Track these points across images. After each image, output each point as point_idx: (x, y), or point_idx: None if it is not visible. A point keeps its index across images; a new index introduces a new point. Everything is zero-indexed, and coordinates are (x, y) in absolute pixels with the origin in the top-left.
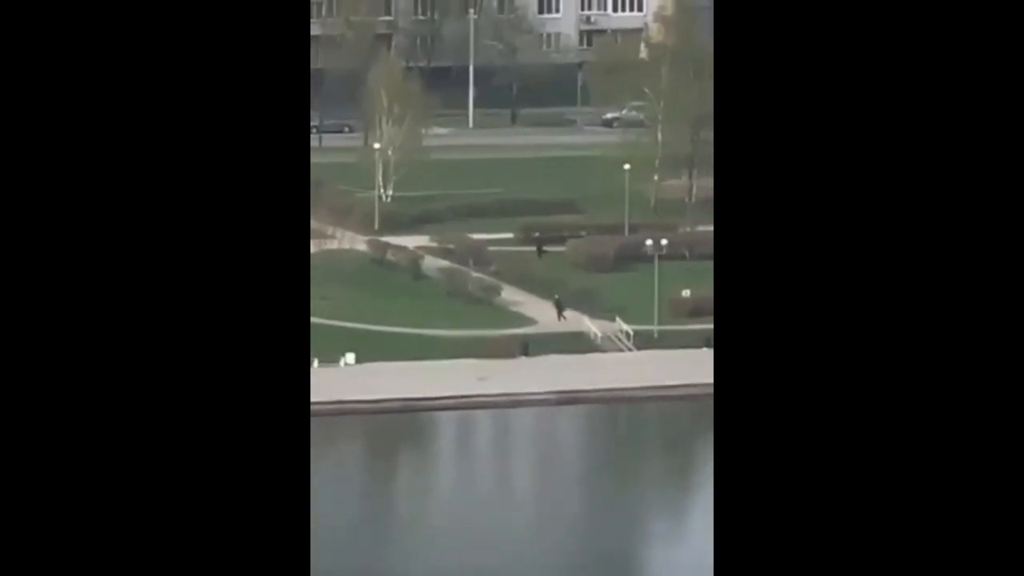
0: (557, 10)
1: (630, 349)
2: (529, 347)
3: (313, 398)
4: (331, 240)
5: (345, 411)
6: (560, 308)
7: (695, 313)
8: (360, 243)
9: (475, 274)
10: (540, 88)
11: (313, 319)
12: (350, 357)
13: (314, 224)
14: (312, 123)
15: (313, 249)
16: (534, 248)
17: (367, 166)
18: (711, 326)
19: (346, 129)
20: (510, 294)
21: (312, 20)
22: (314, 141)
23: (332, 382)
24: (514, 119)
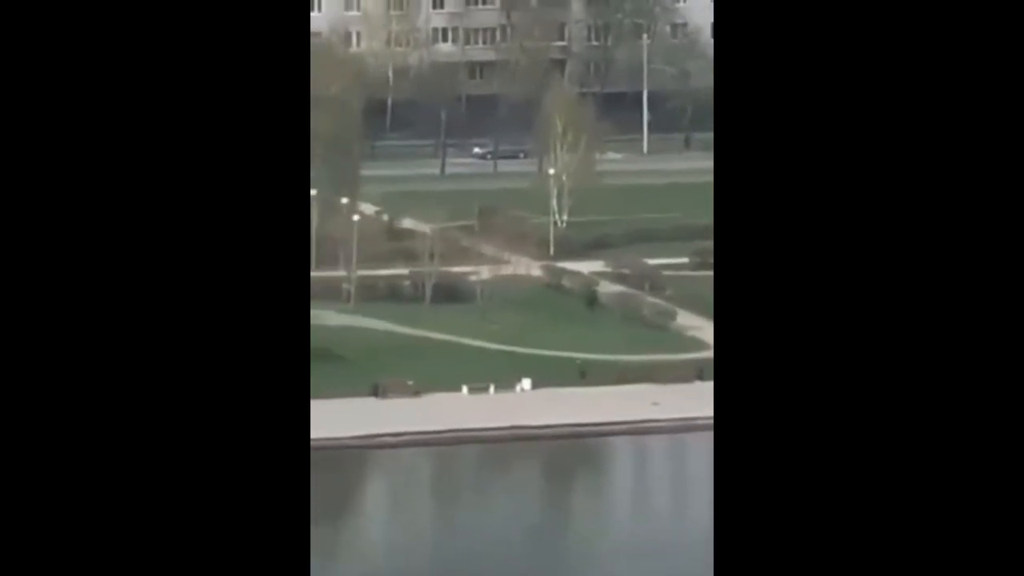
0: None
1: None
2: (704, 372)
3: (489, 424)
4: (506, 266)
5: (521, 437)
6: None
7: None
8: (535, 269)
9: (650, 299)
10: None
11: (487, 345)
12: (526, 383)
13: (489, 250)
14: (487, 149)
15: (487, 275)
16: (709, 272)
17: (542, 192)
18: None
19: (521, 155)
20: (685, 319)
21: (486, 45)
22: (488, 167)
23: (508, 408)
24: (688, 143)
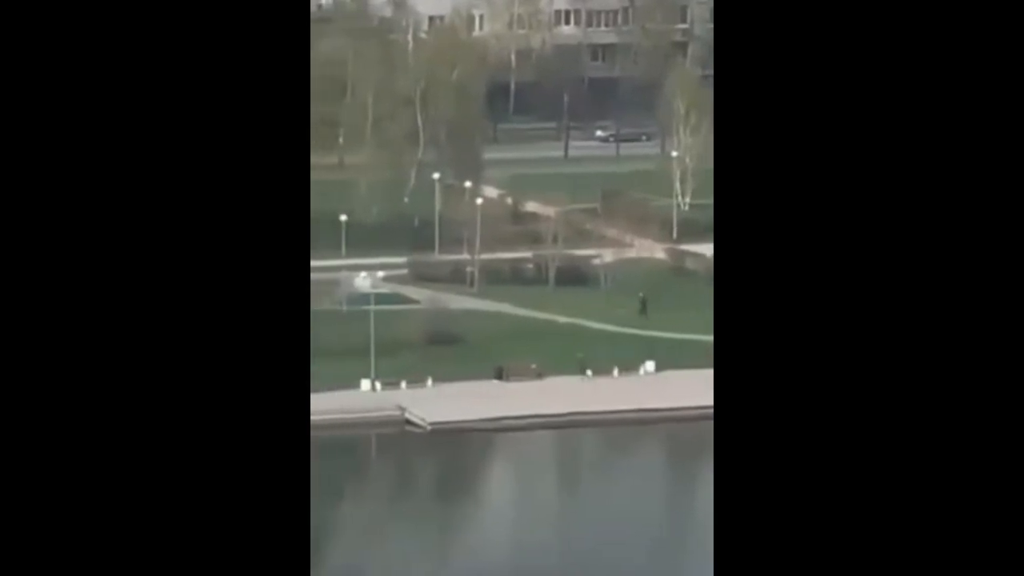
0: None
1: None
2: None
3: (613, 407)
4: (629, 248)
5: (645, 419)
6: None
7: None
8: (658, 251)
9: None
10: None
11: (611, 328)
12: (650, 365)
13: (613, 233)
14: (609, 131)
15: (610, 258)
16: None
17: (664, 174)
18: None
19: (644, 138)
20: None
21: (608, 28)
22: (611, 150)
23: (632, 390)
24: None
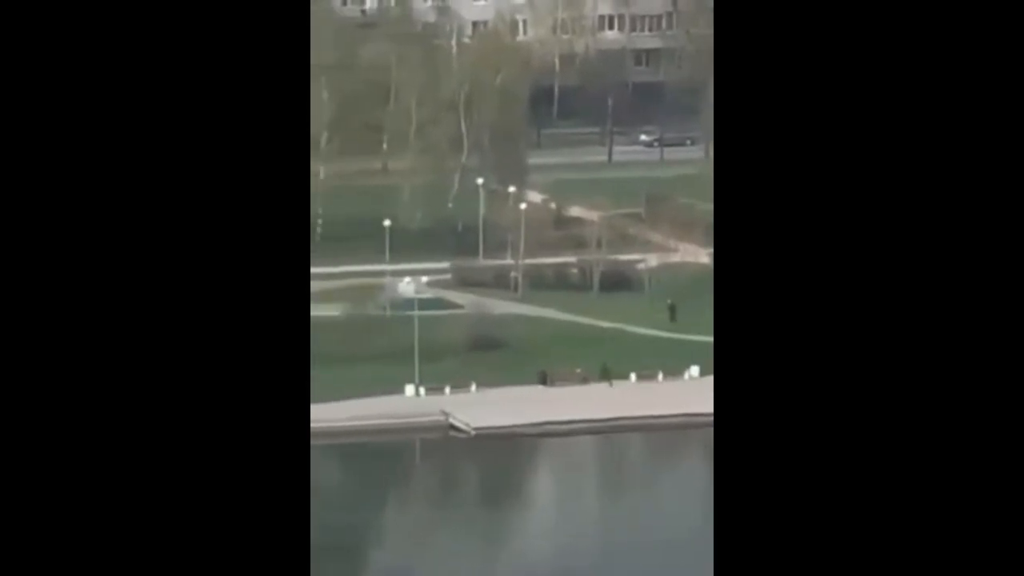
0: None
1: None
2: None
3: (657, 411)
4: (673, 253)
5: (691, 424)
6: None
7: None
8: (703, 256)
9: None
10: None
11: (655, 332)
12: (694, 370)
13: (656, 237)
14: (654, 136)
15: (655, 263)
16: None
17: (709, 179)
18: None
19: (688, 142)
20: None
21: (652, 33)
22: (655, 154)
23: (676, 395)
24: None
